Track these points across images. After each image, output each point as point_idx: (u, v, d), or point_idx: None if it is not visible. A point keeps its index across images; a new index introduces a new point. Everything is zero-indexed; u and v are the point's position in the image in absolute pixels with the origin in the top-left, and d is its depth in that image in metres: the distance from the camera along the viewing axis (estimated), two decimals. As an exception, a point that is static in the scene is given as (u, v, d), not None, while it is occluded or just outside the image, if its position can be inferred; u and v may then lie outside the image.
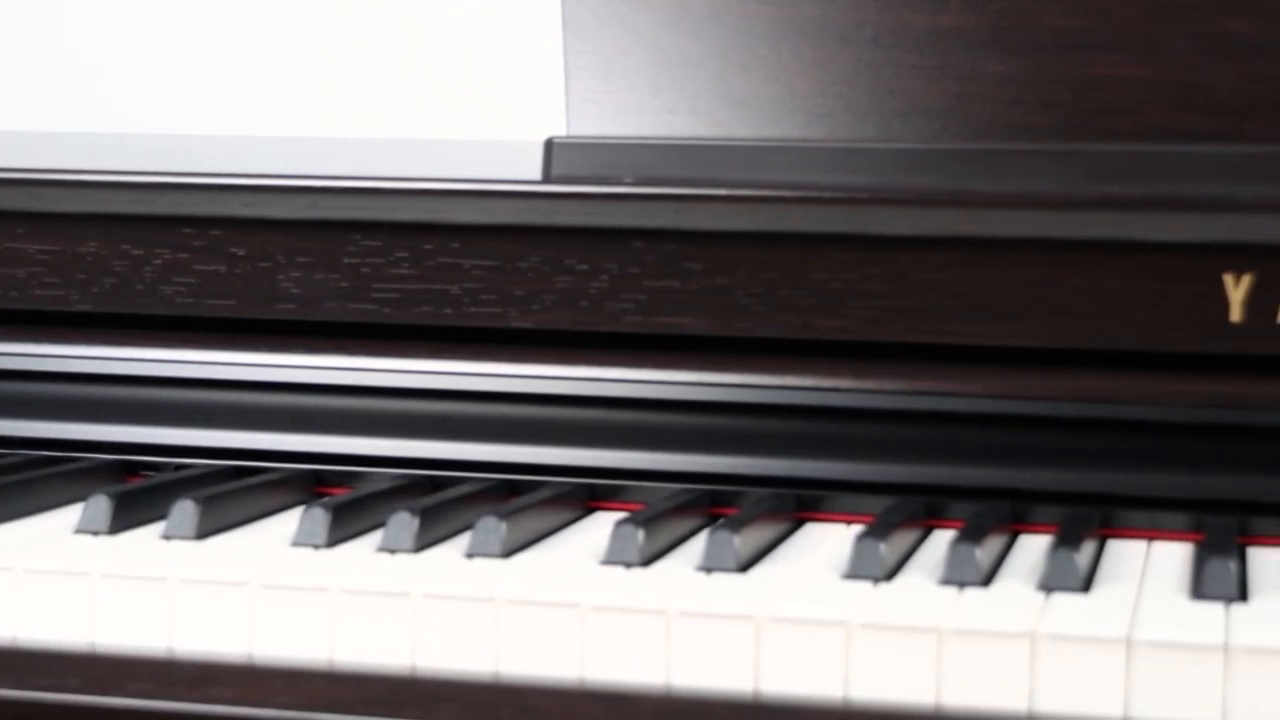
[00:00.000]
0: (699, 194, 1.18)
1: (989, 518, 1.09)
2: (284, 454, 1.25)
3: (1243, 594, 1.00)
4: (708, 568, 1.04)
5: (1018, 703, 0.92)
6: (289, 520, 1.16)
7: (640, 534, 1.05)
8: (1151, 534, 1.15)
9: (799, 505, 1.18)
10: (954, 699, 0.93)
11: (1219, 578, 0.98)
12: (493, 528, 1.07)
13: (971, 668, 0.92)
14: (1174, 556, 1.09)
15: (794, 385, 1.18)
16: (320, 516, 1.09)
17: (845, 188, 1.16)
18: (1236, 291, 1.12)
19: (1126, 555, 1.10)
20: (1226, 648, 0.90)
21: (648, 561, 1.06)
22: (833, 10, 1.24)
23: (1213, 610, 0.96)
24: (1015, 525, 1.15)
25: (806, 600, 0.97)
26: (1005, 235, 1.15)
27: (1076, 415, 1.16)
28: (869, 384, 1.17)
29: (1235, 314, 1.13)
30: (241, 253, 1.26)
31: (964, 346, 1.17)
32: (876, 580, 1.02)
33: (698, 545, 1.10)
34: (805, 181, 1.18)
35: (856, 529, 1.14)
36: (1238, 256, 1.12)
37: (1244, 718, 0.90)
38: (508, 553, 1.07)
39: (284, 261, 1.25)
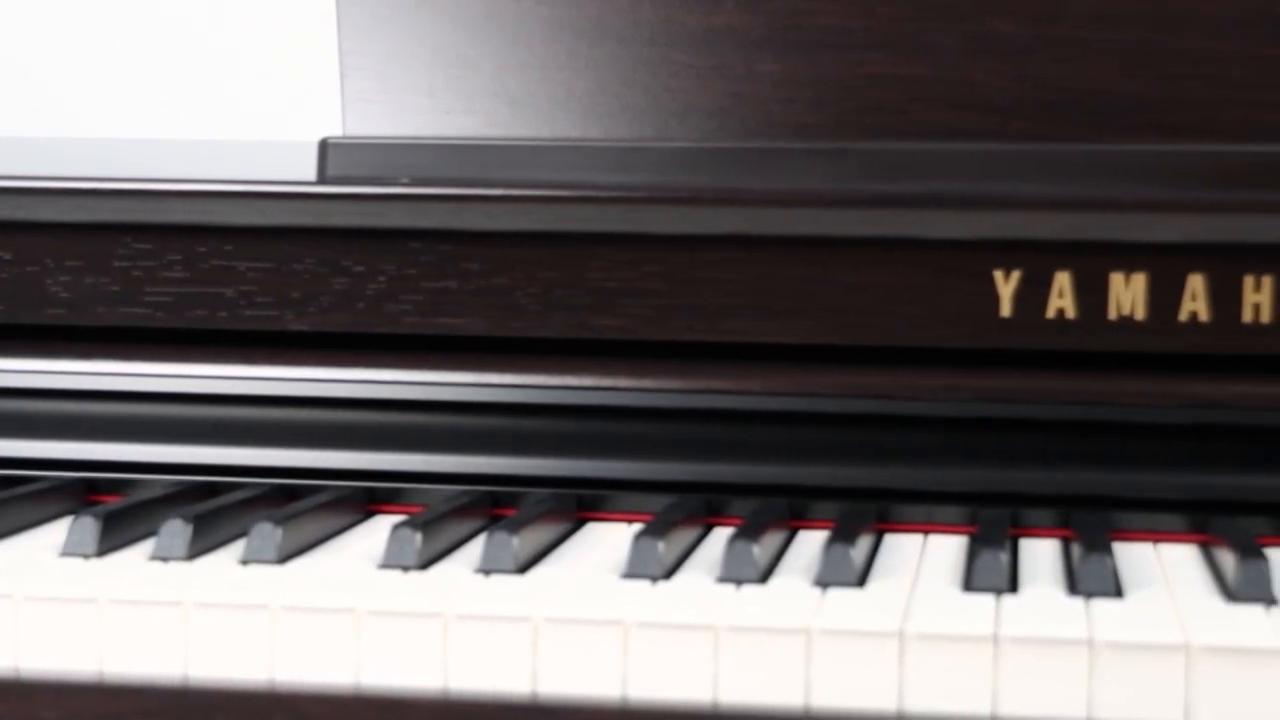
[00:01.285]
0: (475, 194, 1.17)
1: (767, 515, 1.10)
2: (55, 462, 1.22)
3: (1013, 585, 1.02)
4: (486, 570, 1.03)
5: (794, 698, 0.93)
6: (59, 530, 1.14)
7: (418, 537, 1.04)
8: (928, 528, 1.16)
9: (580, 505, 1.18)
10: (731, 696, 0.93)
11: (989, 570, 1.00)
12: (268, 533, 1.06)
13: (748, 665, 0.93)
14: (949, 550, 1.11)
15: (573, 385, 1.18)
16: (90, 525, 1.07)
17: (622, 187, 1.16)
18: (1007, 287, 1.14)
19: (903, 549, 1.11)
20: (995, 639, 0.92)
21: (426, 564, 1.05)
22: (609, 10, 1.24)
23: (983, 602, 0.97)
24: (794, 522, 1.16)
25: (583, 601, 0.97)
26: (780, 233, 1.15)
27: (853, 411, 1.17)
28: (647, 383, 1.17)
29: (1006, 309, 1.15)
30: (8, 256, 1.23)
31: (741, 344, 1.18)
32: (655, 579, 1.02)
33: (477, 547, 1.09)
34: (582, 181, 1.18)
35: (637, 528, 1.14)
36: (1007, 253, 1.14)
37: (1013, 707, 0.91)
38: (283, 558, 1.06)
39: (53, 265, 1.22)
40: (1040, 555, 1.09)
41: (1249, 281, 1.12)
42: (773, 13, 1.20)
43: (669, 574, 1.03)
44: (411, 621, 0.96)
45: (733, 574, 1.01)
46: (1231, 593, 0.99)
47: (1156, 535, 1.14)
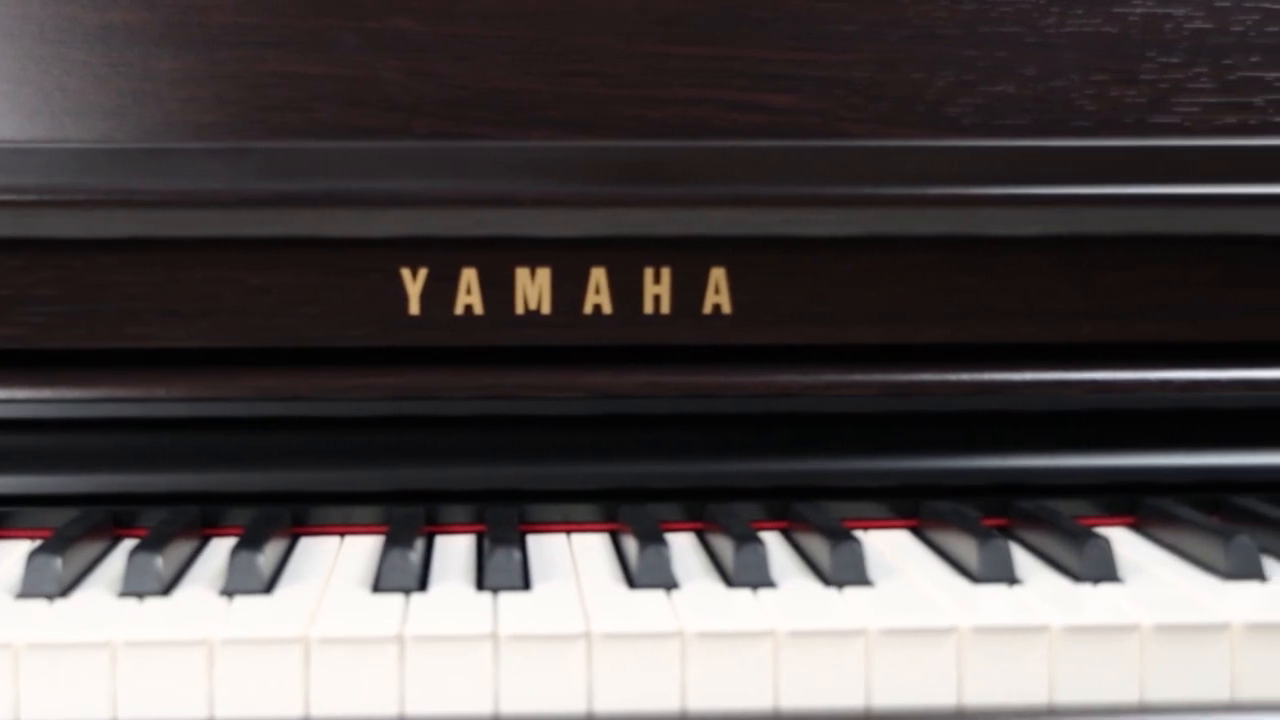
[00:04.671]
0: None
1: (175, 524, 1.07)
2: None
3: (424, 584, 1.02)
4: None
5: (199, 711, 0.90)
6: None
7: None
8: (345, 529, 1.15)
9: (-23, 524, 1.12)
10: (130, 713, 0.90)
11: (397, 570, 0.99)
12: None
13: (150, 680, 0.90)
14: (365, 551, 1.10)
15: (-36, 399, 1.12)
16: None
17: (10, 189, 1.11)
18: (415, 285, 1.14)
19: (320, 552, 1.09)
20: (400, 638, 0.91)
21: None
22: (-3, 5, 1.19)
23: (391, 602, 0.97)
24: (208, 530, 1.13)
25: (-27, 625, 0.92)
26: (181, 235, 1.13)
27: (265, 415, 1.15)
28: (46, 393, 1.13)
29: (414, 307, 1.14)
30: None
31: (147, 350, 1.15)
32: (52, 597, 0.98)
33: None
34: (-32, 184, 1.12)
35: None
36: (414, 250, 1.14)
37: (420, 706, 0.91)
38: None
39: None
40: (455, 551, 1.10)
41: (649, 274, 1.15)
42: (171, 9, 1.17)
43: (67, 591, 0.99)
44: None
45: (134, 587, 0.98)
46: (634, 579, 1.01)
47: (570, 526, 1.16)
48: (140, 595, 0.98)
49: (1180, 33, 1.21)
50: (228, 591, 0.98)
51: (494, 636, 0.92)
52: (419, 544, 1.04)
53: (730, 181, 1.14)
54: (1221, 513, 1.17)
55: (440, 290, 1.14)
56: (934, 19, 1.21)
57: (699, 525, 1.15)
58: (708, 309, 1.15)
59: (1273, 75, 1.21)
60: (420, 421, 1.16)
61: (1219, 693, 0.94)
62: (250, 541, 1.01)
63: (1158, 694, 0.94)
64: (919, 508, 1.15)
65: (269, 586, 1.00)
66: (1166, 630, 0.94)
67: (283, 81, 1.18)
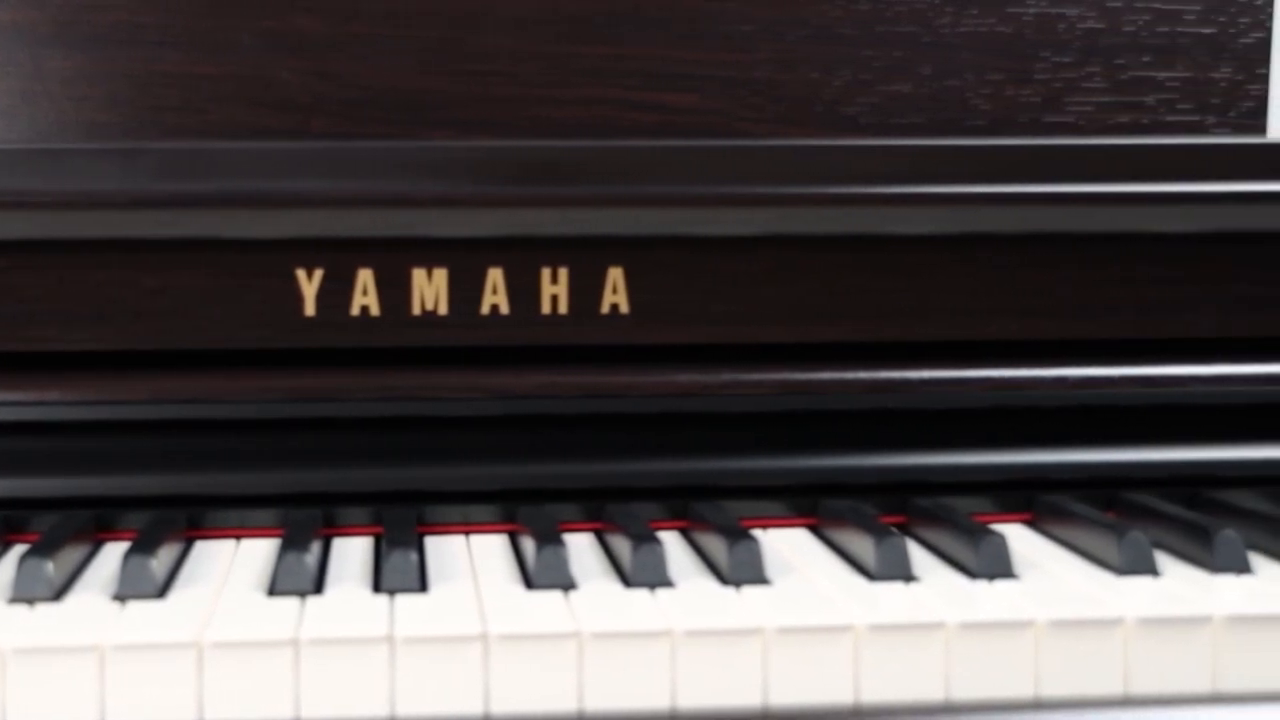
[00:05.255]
0: None
1: (68, 528, 1.06)
2: None
3: (320, 586, 1.01)
4: None
5: (88, 717, 0.89)
6: None
7: None
8: (242, 532, 1.14)
9: None
10: (21, 721, 0.89)
11: (292, 573, 0.99)
12: None
13: (39, 688, 0.89)
14: (261, 553, 1.09)
15: None
16: None
17: (-103, 192, 1.10)
18: (310, 286, 1.14)
19: (215, 555, 1.09)
20: (296, 642, 0.91)
21: None
22: (-114, 4, 1.18)
23: (287, 605, 0.96)
24: (102, 534, 1.12)
25: None
26: (75, 237, 1.11)
27: (162, 417, 1.14)
28: (-62, 397, 1.11)
29: (310, 308, 1.14)
30: None
31: (43, 353, 1.14)
32: (-60, 605, 0.97)
33: None
34: None
35: (-70, 550, 1.08)
36: (309, 251, 1.13)
37: (315, 710, 0.91)
38: None
39: None
40: (353, 554, 1.09)
41: (546, 274, 1.15)
42: (61, 8, 1.16)
43: (-47, 599, 0.98)
44: None
45: (24, 593, 0.97)
46: (532, 580, 1.01)
47: (469, 527, 1.16)
48: (30, 601, 0.97)
49: (1073, 32, 1.22)
50: (121, 596, 0.97)
51: (389, 639, 0.91)
52: (315, 546, 1.04)
53: (628, 181, 1.14)
54: (1117, 509, 1.18)
55: (336, 291, 1.14)
56: (831, 19, 1.21)
57: (598, 525, 1.15)
58: (606, 309, 1.15)
59: (1164, 75, 1.22)
60: (317, 423, 1.15)
61: (1113, 687, 0.95)
62: (144, 545, 1.00)
63: (1053, 689, 0.95)
64: (818, 506, 1.16)
65: (163, 591, 0.99)
66: (1061, 626, 0.94)
67: (178, 81, 1.17)
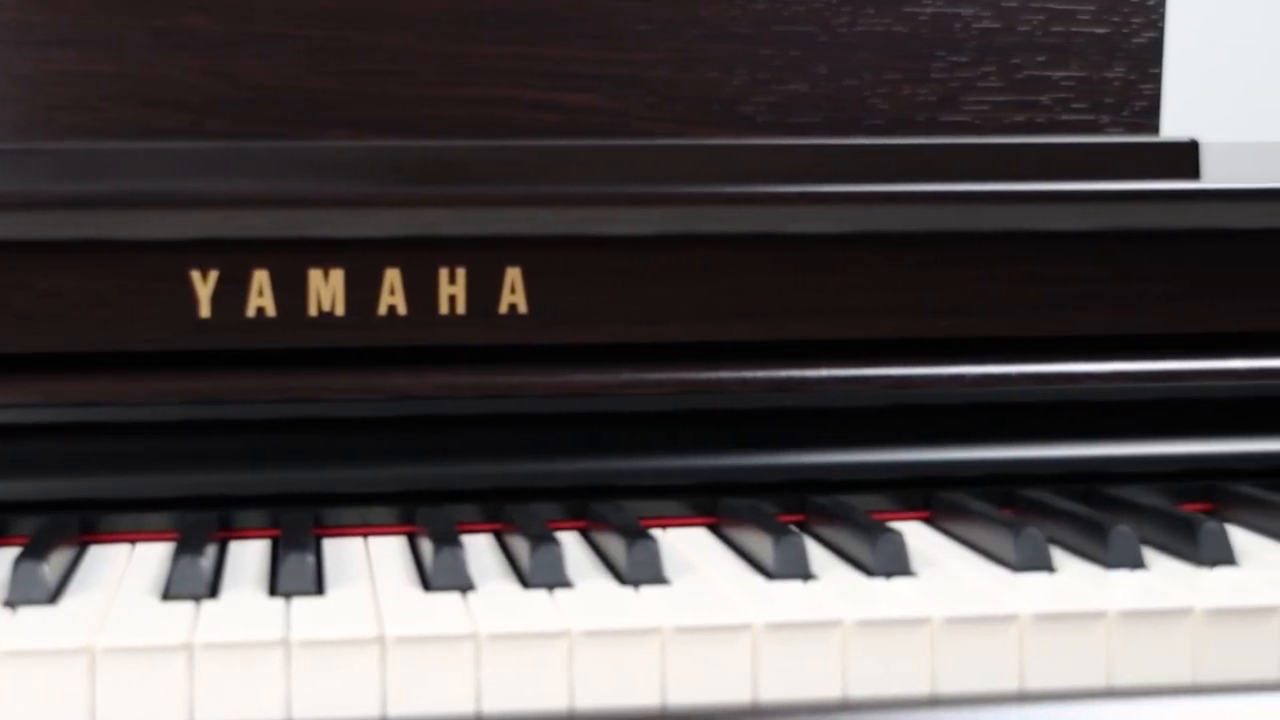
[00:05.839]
0: None
1: (-42, 534, 1.05)
2: None
3: (216, 590, 1.00)
4: None
5: (-20, 726, 0.88)
6: None
7: None
8: (136, 537, 1.13)
9: None
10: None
11: (187, 577, 0.98)
12: None
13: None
14: (156, 558, 1.08)
15: None
16: None
17: None
18: (205, 287, 1.12)
19: (109, 560, 1.08)
20: (190, 646, 0.90)
21: None
22: None
23: (181, 609, 0.95)
24: (-6, 539, 1.11)
25: None
26: (-37, 238, 1.10)
27: (57, 421, 1.13)
28: None
29: (205, 310, 1.13)
30: None
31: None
32: None
33: None
34: None
35: None
36: (204, 252, 1.12)
37: (211, 713, 0.90)
38: None
39: None
40: (249, 557, 1.08)
41: (444, 274, 1.14)
42: (-50, 6, 1.15)
43: None
44: None
45: (-88, 600, 0.95)
46: (429, 582, 1.00)
47: (368, 529, 1.15)
48: (-80, 608, 0.96)
49: (969, 32, 1.22)
50: (10, 602, 0.96)
51: (285, 642, 0.91)
52: (211, 550, 1.03)
53: (526, 181, 1.14)
54: (1014, 505, 1.18)
55: (231, 292, 1.13)
56: (729, 18, 1.21)
57: (498, 526, 1.15)
58: (504, 309, 1.15)
59: (1059, 74, 1.23)
60: (213, 425, 1.14)
61: (1009, 683, 0.95)
62: (35, 550, 0.99)
63: (949, 686, 0.95)
64: (717, 505, 1.16)
65: (55, 596, 0.98)
66: (956, 623, 0.95)
67: (70, 80, 1.15)
